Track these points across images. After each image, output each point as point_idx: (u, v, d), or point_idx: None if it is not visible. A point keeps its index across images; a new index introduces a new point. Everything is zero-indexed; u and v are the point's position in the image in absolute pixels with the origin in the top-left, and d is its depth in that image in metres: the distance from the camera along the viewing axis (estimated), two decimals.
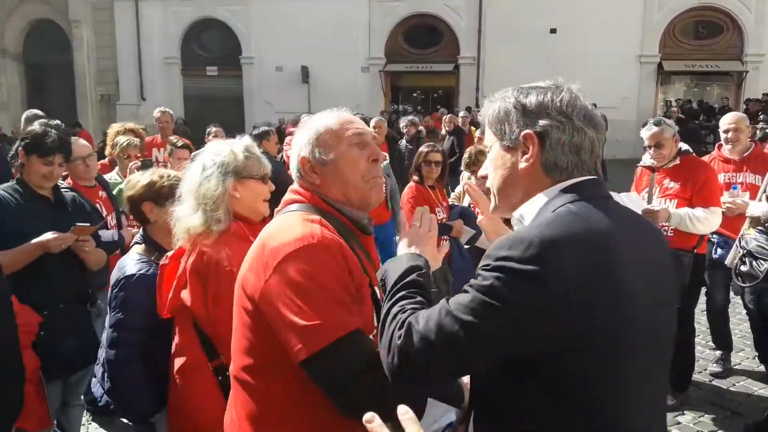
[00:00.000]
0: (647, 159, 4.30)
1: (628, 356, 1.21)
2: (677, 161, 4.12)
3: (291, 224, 1.58)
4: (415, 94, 24.46)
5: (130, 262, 2.50)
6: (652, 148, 4.13)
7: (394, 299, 1.37)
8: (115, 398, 2.43)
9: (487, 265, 1.20)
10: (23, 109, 3.82)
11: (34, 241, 2.90)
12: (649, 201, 4.17)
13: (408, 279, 1.41)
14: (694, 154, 4.34)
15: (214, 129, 7.14)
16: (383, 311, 1.37)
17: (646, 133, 4.14)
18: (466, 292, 1.23)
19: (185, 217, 2.18)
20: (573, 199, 1.27)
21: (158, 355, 2.30)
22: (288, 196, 1.73)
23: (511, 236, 1.21)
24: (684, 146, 4.22)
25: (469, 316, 1.18)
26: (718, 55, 20.77)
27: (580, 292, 1.13)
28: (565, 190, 1.30)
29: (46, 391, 2.79)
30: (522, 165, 1.34)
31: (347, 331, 1.44)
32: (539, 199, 1.33)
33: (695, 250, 4.10)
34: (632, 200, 4.12)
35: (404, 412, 0.98)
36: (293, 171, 1.75)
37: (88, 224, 3.14)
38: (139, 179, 2.68)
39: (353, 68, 22.22)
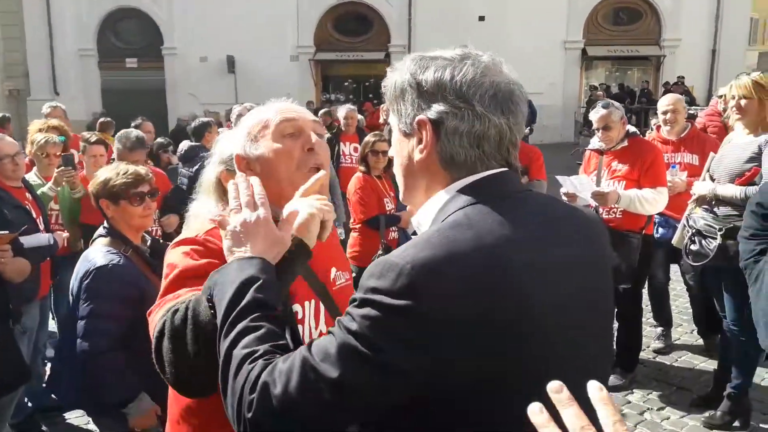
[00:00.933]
0: (595, 142, 4.30)
1: (546, 377, 1.05)
2: (625, 143, 4.12)
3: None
4: (346, 84, 24.26)
5: (98, 254, 2.51)
6: (601, 131, 4.12)
7: (231, 338, 1.05)
8: (90, 389, 2.44)
9: (354, 300, 0.99)
10: None
11: None
12: (598, 183, 4.16)
13: (244, 302, 1.08)
14: (641, 135, 4.37)
15: (141, 122, 6.74)
16: (219, 354, 1.07)
17: (594, 116, 4.12)
18: (330, 333, 1.00)
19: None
20: (469, 202, 1.06)
21: (136, 345, 2.24)
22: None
23: (381, 262, 0.99)
24: (631, 128, 4.24)
25: (336, 371, 0.94)
26: (638, 40, 21.61)
27: (465, 322, 0.94)
28: (462, 190, 1.09)
29: None
30: (416, 156, 1.12)
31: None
32: (436, 201, 1.12)
33: (643, 231, 4.14)
34: (582, 183, 4.11)
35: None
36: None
37: (6, 231, 2.87)
38: (98, 175, 2.69)
39: (282, 57, 21.76)
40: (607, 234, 1.28)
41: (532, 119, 11.49)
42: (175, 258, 1.43)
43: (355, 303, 0.98)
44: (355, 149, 6.72)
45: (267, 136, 1.52)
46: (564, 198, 4.23)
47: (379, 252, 4.45)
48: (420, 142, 1.11)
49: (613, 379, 4.29)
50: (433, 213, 1.11)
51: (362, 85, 23.90)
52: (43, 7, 22.00)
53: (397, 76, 1.16)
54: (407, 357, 0.94)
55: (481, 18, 20.89)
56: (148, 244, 2.69)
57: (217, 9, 21.01)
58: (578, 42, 21.41)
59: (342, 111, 7.61)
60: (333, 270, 1.62)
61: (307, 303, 1.50)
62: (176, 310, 1.24)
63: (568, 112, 20.88)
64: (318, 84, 22.92)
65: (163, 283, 1.40)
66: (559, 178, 4.24)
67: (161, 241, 2.90)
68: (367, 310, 0.95)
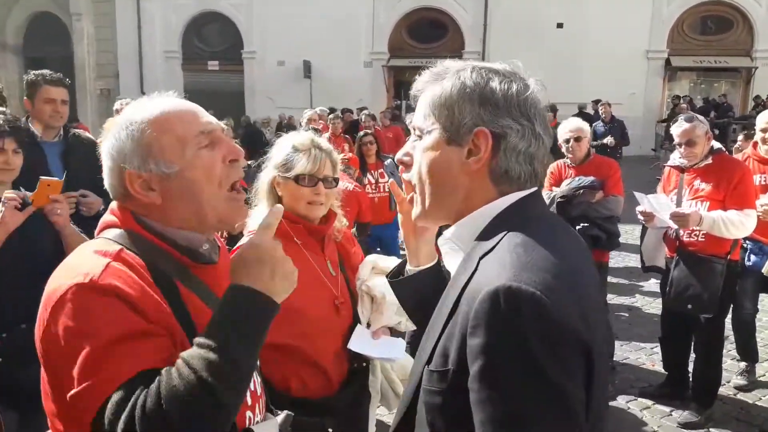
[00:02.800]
0: (676, 158, 4.04)
1: (598, 411, 1.00)
2: (709, 160, 3.86)
3: (78, 258, 1.23)
4: None
5: None
6: (683, 146, 3.87)
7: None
8: None
9: (481, 341, 0.92)
10: (22, 103, 3.65)
11: None
12: (678, 203, 3.91)
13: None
14: (726, 152, 4.07)
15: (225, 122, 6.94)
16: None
17: (676, 130, 3.87)
18: (477, 393, 0.92)
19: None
20: (525, 221, 1.05)
21: None
22: (105, 217, 1.34)
23: (492, 292, 0.92)
24: (716, 144, 3.96)
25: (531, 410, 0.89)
26: (727, 51, 20.46)
27: (588, 348, 0.95)
28: (513, 207, 1.08)
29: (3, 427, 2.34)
30: (462, 167, 1.09)
31: (120, 382, 1.08)
32: (482, 215, 1.08)
33: (728, 257, 3.85)
34: (661, 203, 3.88)
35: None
36: (108, 185, 1.33)
37: (58, 179, 2.64)
38: None
39: (356, 63, 21.95)
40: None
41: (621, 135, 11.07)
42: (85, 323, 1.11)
43: (491, 343, 0.92)
44: None
45: (182, 149, 1.25)
46: (640, 217, 4.00)
47: None
48: (472, 153, 1.08)
49: (687, 416, 4.02)
50: (478, 228, 1.08)
51: None
52: (134, 11, 23.12)
53: (451, 81, 1.12)
54: (577, 387, 0.93)
55: (560, 25, 20.36)
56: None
57: (295, 15, 21.43)
58: (662, 52, 20.51)
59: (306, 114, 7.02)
60: None
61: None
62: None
63: (649, 124, 20.01)
64: (390, 90, 22.98)
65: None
66: (637, 194, 4.01)
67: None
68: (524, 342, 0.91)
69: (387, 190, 6.11)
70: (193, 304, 1.26)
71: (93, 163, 1.55)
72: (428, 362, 1.04)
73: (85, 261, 1.19)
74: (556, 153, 4.70)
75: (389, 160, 5.97)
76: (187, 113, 1.30)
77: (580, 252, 1.13)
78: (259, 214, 2.11)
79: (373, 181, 6.11)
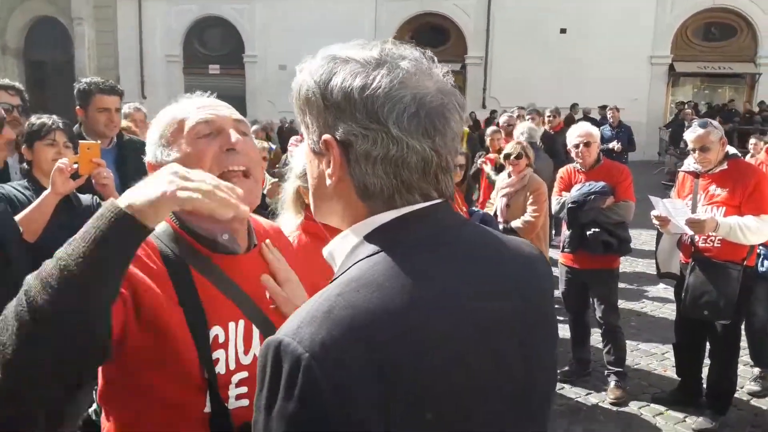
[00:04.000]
0: (691, 163, 3.96)
1: None
2: (724, 166, 3.78)
3: None
4: None
5: None
6: (697, 152, 3.79)
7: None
8: None
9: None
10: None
11: (44, 194, 2.61)
12: (694, 209, 3.83)
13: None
14: (742, 157, 4.00)
15: None
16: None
17: (690, 136, 3.80)
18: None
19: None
20: (376, 251, 0.87)
21: None
22: None
23: (267, 343, 0.81)
24: (731, 149, 3.88)
25: None
26: (731, 57, 20.42)
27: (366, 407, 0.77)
28: (374, 234, 0.90)
29: None
30: (327, 181, 0.92)
31: None
32: (348, 241, 0.94)
33: (744, 263, 3.76)
34: (677, 208, 3.79)
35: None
36: None
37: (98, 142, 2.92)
38: None
39: None
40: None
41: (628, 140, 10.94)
42: None
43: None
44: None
45: (179, 139, 1.33)
46: (655, 221, 3.92)
47: None
48: (328, 165, 0.91)
49: (702, 422, 3.96)
50: (348, 248, 0.93)
51: None
52: (136, 15, 23.12)
53: (302, 78, 0.95)
54: None
55: (563, 30, 20.32)
56: None
57: (298, 19, 21.42)
58: (665, 57, 20.46)
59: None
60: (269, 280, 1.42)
61: (231, 324, 1.30)
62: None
63: (652, 129, 19.93)
64: None
65: None
66: (653, 199, 3.93)
67: None
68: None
69: None
70: (205, 289, 1.28)
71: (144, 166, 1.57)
72: None
73: None
74: (560, 157, 4.64)
75: None
76: (195, 106, 1.38)
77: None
78: (285, 224, 2.18)
79: None
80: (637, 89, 19.92)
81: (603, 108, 14.27)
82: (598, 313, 4.44)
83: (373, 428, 0.76)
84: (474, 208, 4.96)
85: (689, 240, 3.88)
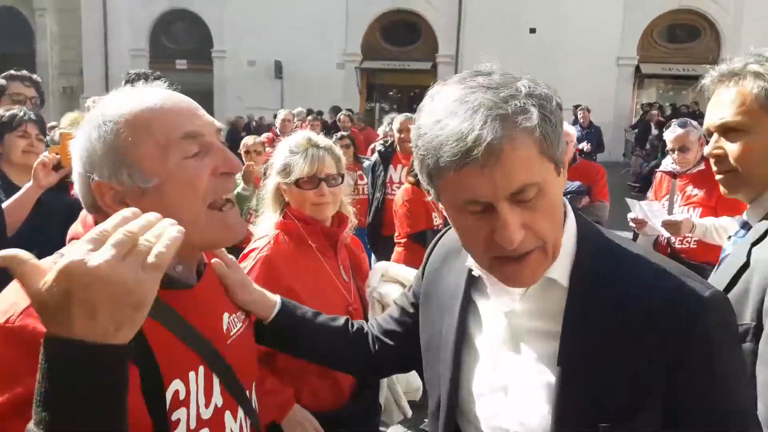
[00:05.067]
0: (668, 163, 3.96)
1: None
2: (701, 166, 3.78)
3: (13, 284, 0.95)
4: (391, 93, 24.13)
5: None
6: (676, 152, 3.79)
7: None
8: None
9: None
10: None
11: (25, 186, 2.54)
12: (670, 210, 3.82)
13: None
14: None
15: None
16: None
17: (669, 136, 3.80)
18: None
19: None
20: None
21: None
22: (74, 227, 1.13)
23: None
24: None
25: None
26: (695, 59, 20.82)
27: None
28: None
29: None
30: None
31: None
32: None
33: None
34: (653, 210, 3.77)
35: None
36: (77, 192, 1.11)
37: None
38: None
39: (328, 64, 21.75)
40: None
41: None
42: None
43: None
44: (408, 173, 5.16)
45: (163, 159, 1.03)
46: (632, 224, 3.89)
47: None
48: None
49: None
50: None
51: (407, 94, 23.74)
52: (101, 7, 22.55)
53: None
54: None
55: (533, 30, 20.49)
56: None
57: (267, 14, 21.16)
58: (632, 59, 20.79)
59: (396, 121, 5.45)
60: (225, 316, 1.22)
61: (192, 375, 1.07)
62: None
63: (619, 129, 20.24)
64: (363, 92, 22.84)
65: None
66: (629, 201, 3.90)
67: None
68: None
69: (365, 192, 5.92)
70: (160, 337, 1.03)
71: None
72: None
73: (15, 289, 0.90)
74: None
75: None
76: (174, 111, 1.07)
77: None
78: (265, 222, 2.13)
79: (351, 182, 5.88)
80: (604, 90, 20.19)
81: (577, 107, 14.41)
82: None
83: None
84: None
85: (665, 241, 3.87)
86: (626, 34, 20.58)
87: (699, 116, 18.85)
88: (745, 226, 1.52)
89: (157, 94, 1.09)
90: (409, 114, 5.40)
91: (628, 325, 0.97)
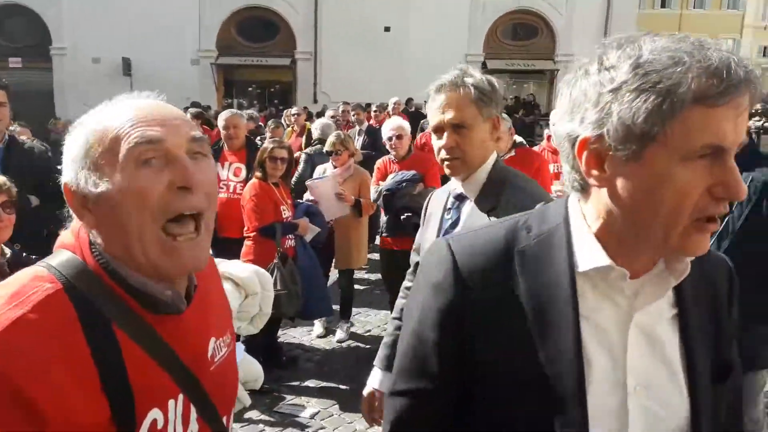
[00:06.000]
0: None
1: None
2: (513, 153, 4.28)
3: (7, 286, 0.96)
4: (250, 89, 23.81)
5: None
6: (393, 139, 4.46)
7: None
8: None
9: None
10: None
11: None
12: None
13: None
14: (527, 146, 4.57)
15: (19, 128, 6.23)
16: None
17: (386, 127, 4.37)
18: None
19: None
20: None
21: None
22: (63, 235, 1.07)
23: None
24: (518, 138, 4.41)
25: None
26: (535, 55, 22.68)
27: None
28: None
29: None
30: None
31: None
32: None
33: None
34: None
35: None
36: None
37: None
38: None
39: (182, 61, 21.05)
40: None
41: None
42: None
43: None
44: (237, 172, 5.14)
45: (113, 163, 0.96)
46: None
47: (275, 261, 4.35)
48: None
49: None
50: None
51: (267, 90, 23.56)
52: None
53: None
54: None
55: (387, 29, 21.17)
56: (7, 257, 2.46)
57: (112, 9, 20.02)
58: (479, 55, 22.16)
59: (221, 118, 5.28)
60: (212, 342, 1.14)
61: (171, 403, 1.02)
62: None
63: None
64: (220, 89, 22.34)
65: None
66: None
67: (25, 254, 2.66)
68: None
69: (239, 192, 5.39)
70: (139, 362, 0.97)
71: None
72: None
73: (6, 298, 0.89)
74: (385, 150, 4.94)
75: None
76: (137, 117, 0.99)
77: None
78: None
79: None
80: None
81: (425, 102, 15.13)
82: None
83: None
84: (299, 200, 5.06)
85: None
86: (473, 32, 21.93)
87: (536, 106, 20.62)
88: (460, 197, 1.91)
89: (132, 102, 1.04)
90: (235, 110, 5.44)
91: (707, 287, 1.04)
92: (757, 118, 5.63)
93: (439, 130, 1.87)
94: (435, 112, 1.86)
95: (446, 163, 1.88)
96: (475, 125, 1.83)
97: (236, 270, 2.51)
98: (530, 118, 19.39)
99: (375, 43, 20.46)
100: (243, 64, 22.37)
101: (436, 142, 1.89)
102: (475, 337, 0.98)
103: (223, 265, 2.38)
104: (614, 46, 0.88)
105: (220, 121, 5.29)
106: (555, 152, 4.81)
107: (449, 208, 1.97)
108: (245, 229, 4.63)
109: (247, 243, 4.60)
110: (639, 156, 0.85)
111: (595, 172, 0.90)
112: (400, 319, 2.07)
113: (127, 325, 0.97)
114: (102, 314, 0.95)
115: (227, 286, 2.37)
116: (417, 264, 2.11)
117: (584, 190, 0.96)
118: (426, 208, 2.13)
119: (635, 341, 0.96)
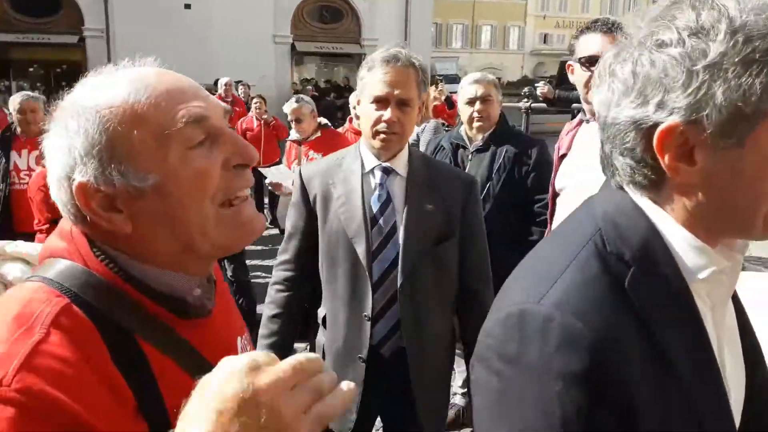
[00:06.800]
0: (293, 134, 4.56)
1: None
2: (318, 134, 4.44)
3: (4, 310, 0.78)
4: (31, 69, 21.34)
5: None
6: (294, 123, 4.39)
7: None
8: None
9: None
10: None
11: None
12: None
13: None
14: (332, 127, 4.74)
15: None
16: None
17: (287, 109, 4.39)
18: None
19: None
20: None
21: None
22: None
23: None
24: (323, 120, 4.58)
25: None
26: (342, 38, 23.11)
27: None
28: None
29: None
30: None
31: None
32: None
33: None
34: (282, 172, 4.25)
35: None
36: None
37: None
38: None
39: None
40: None
41: None
42: None
43: None
44: (38, 160, 4.42)
45: (164, 149, 0.82)
46: (270, 188, 4.33)
47: None
48: None
49: None
50: None
51: (53, 71, 21.27)
52: None
53: None
54: None
55: (187, 6, 20.14)
56: None
57: None
58: (287, 37, 22.04)
59: (14, 101, 4.68)
60: (239, 341, 1.04)
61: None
62: None
63: (281, 105, 21.45)
64: None
65: None
66: (263, 170, 4.31)
67: None
68: None
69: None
70: (172, 377, 0.84)
71: None
72: None
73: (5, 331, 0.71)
74: None
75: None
76: (170, 92, 0.84)
77: None
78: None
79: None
80: (264, 66, 21.04)
81: (238, 83, 14.77)
82: (229, 272, 4.67)
83: None
84: None
85: None
86: (278, 13, 21.69)
87: (350, 90, 21.16)
88: (387, 170, 1.89)
89: (147, 73, 0.87)
90: (28, 93, 4.78)
91: None
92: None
93: (383, 101, 1.82)
94: (380, 84, 1.81)
95: (383, 136, 1.83)
96: (414, 105, 1.86)
97: (26, 248, 2.26)
98: (341, 101, 19.86)
99: (175, 20, 19.36)
100: (21, 42, 19.87)
101: (374, 113, 1.83)
102: (638, 408, 0.72)
103: (10, 246, 2.14)
104: (686, 6, 0.74)
105: (13, 105, 4.68)
106: (357, 133, 5.01)
107: (379, 184, 1.89)
108: (35, 222, 4.19)
109: (39, 236, 4.16)
110: (743, 140, 0.72)
111: (683, 166, 0.75)
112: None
113: (153, 337, 0.84)
114: (122, 327, 0.81)
115: (17, 266, 2.13)
116: (283, 268, 2.02)
117: (655, 185, 0.79)
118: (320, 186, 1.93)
119: (729, 339, 0.87)
